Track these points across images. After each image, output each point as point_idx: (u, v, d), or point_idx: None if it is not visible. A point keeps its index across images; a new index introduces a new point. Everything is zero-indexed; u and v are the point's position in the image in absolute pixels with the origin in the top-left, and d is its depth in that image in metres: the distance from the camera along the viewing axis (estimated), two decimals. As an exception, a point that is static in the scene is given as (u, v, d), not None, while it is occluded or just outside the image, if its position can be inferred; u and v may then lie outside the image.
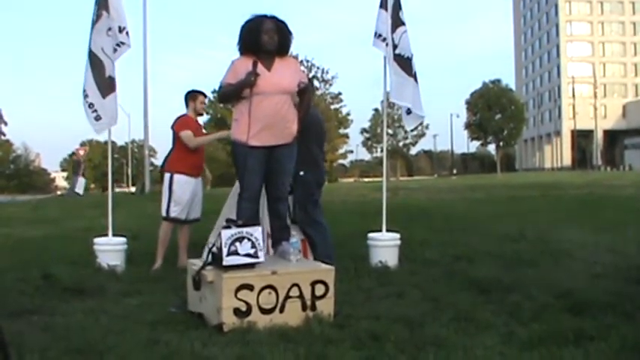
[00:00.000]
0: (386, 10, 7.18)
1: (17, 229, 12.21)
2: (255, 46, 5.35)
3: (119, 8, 7.08)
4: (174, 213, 7.26)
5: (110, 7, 6.93)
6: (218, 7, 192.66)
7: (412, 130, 75.89)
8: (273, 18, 5.44)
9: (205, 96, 7.58)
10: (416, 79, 7.24)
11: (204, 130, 7.88)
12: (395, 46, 7.14)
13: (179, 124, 7.29)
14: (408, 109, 7.28)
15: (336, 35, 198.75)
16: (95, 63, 6.93)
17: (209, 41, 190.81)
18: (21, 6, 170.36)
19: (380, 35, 7.21)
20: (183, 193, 7.23)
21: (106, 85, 6.93)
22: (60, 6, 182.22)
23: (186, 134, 7.21)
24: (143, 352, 3.95)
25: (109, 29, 6.92)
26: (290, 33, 5.50)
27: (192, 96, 7.43)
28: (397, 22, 7.19)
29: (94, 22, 6.94)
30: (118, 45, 7.03)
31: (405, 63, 7.18)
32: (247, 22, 5.45)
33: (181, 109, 7.50)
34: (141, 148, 52.62)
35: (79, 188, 28.79)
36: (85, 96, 6.97)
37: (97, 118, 6.99)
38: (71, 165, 31.03)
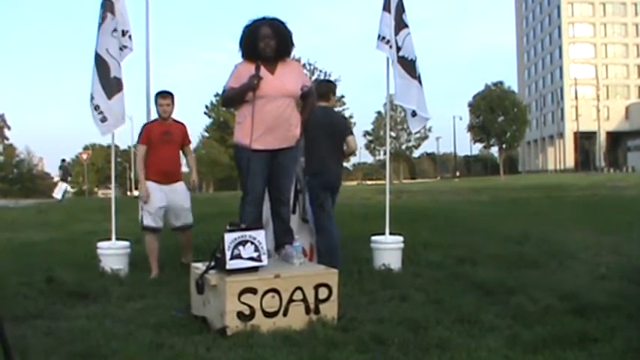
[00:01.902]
0: (389, 12, 7.17)
1: (21, 233, 12.23)
2: (254, 53, 5.36)
3: (123, 12, 7.12)
4: (146, 221, 7.00)
5: (115, 9, 6.95)
6: (221, 11, 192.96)
7: (415, 133, 75.80)
8: (272, 21, 5.43)
9: (165, 96, 7.05)
10: (420, 82, 7.23)
11: (191, 137, 7.48)
12: (399, 49, 7.14)
13: (140, 134, 7.11)
14: (413, 111, 7.28)
15: (338, 38, 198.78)
16: (101, 65, 6.90)
17: (212, 45, 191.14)
18: (24, 10, 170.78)
19: (384, 38, 7.19)
20: (151, 200, 6.94)
21: (112, 85, 6.89)
22: (63, 10, 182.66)
23: (139, 149, 7.07)
24: (147, 356, 3.95)
25: (114, 30, 6.93)
26: (289, 34, 5.49)
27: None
28: (400, 25, 7.18)
29: (100, 25, 6.94)
30: (121, 48, 7.06)
31: (408, 65, 7.17)
32: (245, 29, 5.46)
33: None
34: (144, 152, 52.63)
35: (58, 193, 28.81)
36: (92, 99, 6.93)
37: (103, 120, 6.91)
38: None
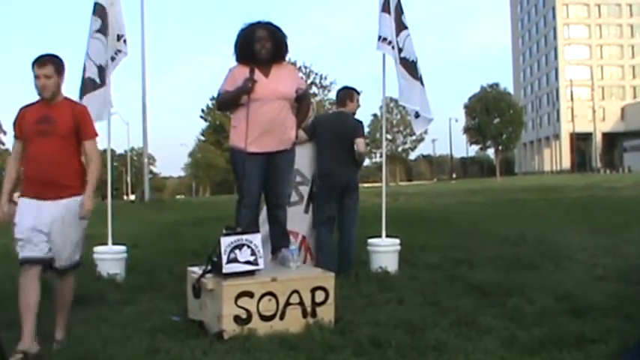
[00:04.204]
0: (389, 13, 7.13)
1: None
2: (249, 55, 5.37)
3: (118, 16, 7.10)
4: (18, 249, 4.69)
5: (108, 14, 6.94)
6: (216, 14, 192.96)
7: (411, 135, 76.03)
8: (267, 24, 5.44)
9: (43, 64, 4.50)
10: (422, 83, 7.21)
11: (96, 128, 4.80)
12: (400, 50, 7.11)
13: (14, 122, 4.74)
14: (417, 112, 7.27)
15: (334, 40, 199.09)
16: (84, 68, 6.96)
17: (208, 48, 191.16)
18: (21, 16, 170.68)
19: (385, 39, 7.13)
20: (17, 222, 4.63)
21: (85, 86, 6.88)
22: (60, 15, 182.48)
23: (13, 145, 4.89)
24: (144, 361, 3.94)
25: (96, 31, 6.92)
26: (284, 38, 5.49)
27: None
28: (400, 26, 7.15)
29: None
30: (116, 53, 7.08)
31: (410, 66, 7.14)
32: (240, 32, 5.47)
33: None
34: (140, 156, 52.66)
35: None
36: None
37: None
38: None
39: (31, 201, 4.55)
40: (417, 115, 7.31)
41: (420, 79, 7.19)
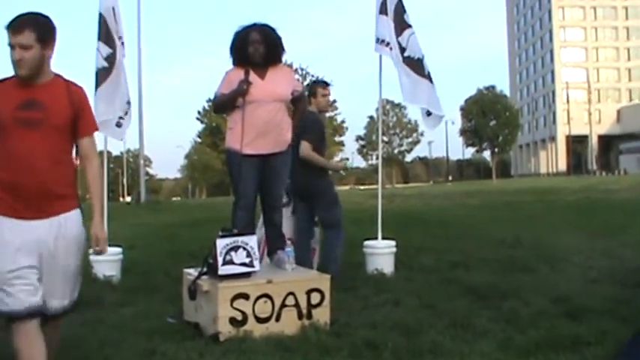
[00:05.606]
0: (386, 15, 7.11)
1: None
2: (244, 58, 5.38)
3: (117, 17, 7.08)
4: None
5: (107, 20, 6.92)
6: (212, 16, 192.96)
7: (407, 137, 76.22)
8: (262, 27, 5.44)
9: (19, 30, 3.18)
10: (431, 80, 7.14)
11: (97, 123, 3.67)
12: (404, 49, 7.05)
13: None
14: (428, 111, 7.20)
15: (332, 42, 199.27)
16: None
17: (205, 50, 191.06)
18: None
19: (382, 41, 7.07)
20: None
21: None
22: (66, 17, 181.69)
23: None
24: (139, 363, 3.94)
25: (97, 40, 6.89)
26: (278, 40, 5.49)
27: None
28: (403, 25, 7.10)
29: None
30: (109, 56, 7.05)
31: (416, 64, 7.07)
32: (235, 35, 5.48)
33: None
34: (136, 158, 52.56)
35: None
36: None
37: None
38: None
39: (8, 222, 3.22)
40: (428, 114, 7.23)
41: (428, 76, 7.12)
